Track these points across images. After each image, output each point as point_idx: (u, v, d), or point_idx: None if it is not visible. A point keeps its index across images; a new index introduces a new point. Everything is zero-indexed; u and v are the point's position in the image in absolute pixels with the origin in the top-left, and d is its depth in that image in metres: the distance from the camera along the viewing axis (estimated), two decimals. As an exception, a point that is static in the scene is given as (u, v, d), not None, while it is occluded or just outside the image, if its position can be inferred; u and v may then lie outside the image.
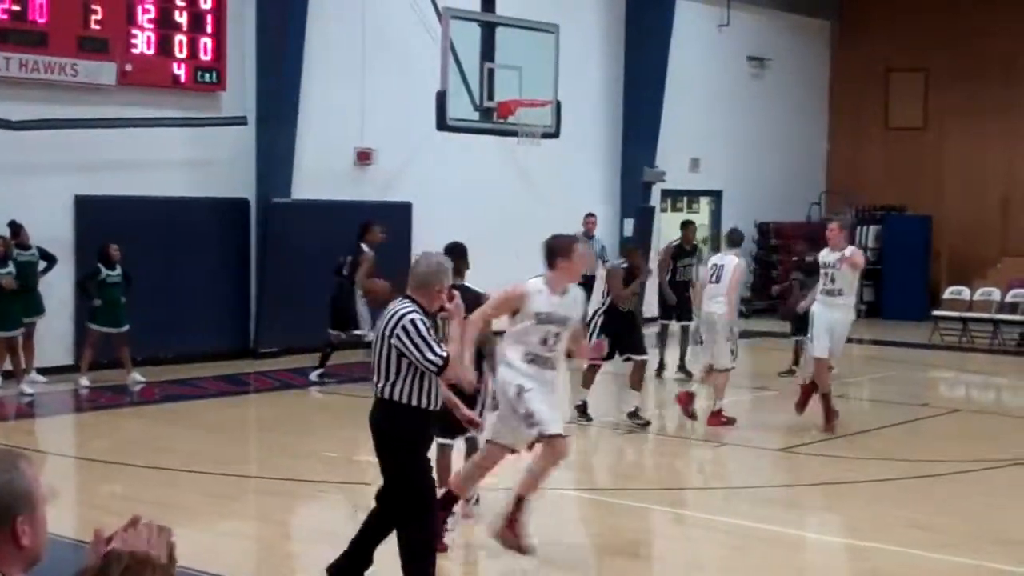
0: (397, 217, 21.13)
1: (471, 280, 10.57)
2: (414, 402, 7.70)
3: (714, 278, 15.16)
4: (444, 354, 7.60)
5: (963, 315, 24.09)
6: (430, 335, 7.64)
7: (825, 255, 14.80)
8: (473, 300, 9.23)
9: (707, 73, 27.53)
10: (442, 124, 18.32)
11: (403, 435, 7.79)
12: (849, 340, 20.90)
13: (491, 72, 18.71)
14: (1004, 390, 20.68)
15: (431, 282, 7.83)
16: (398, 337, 7.61)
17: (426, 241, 19.57)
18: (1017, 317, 23.99)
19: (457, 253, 11.23)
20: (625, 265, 15.82)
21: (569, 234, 10.49)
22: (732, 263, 15.19)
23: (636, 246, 17.87)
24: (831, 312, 14.63)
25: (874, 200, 29.27)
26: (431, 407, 7.83)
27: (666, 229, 27.43)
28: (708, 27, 27.40)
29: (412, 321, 7.60)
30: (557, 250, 9.25)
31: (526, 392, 8.86)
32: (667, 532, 11.18)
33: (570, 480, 12.52)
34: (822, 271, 14.84)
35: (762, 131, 29.07)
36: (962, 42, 28.82)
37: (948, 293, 25.46)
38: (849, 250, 14.65)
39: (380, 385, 7.80)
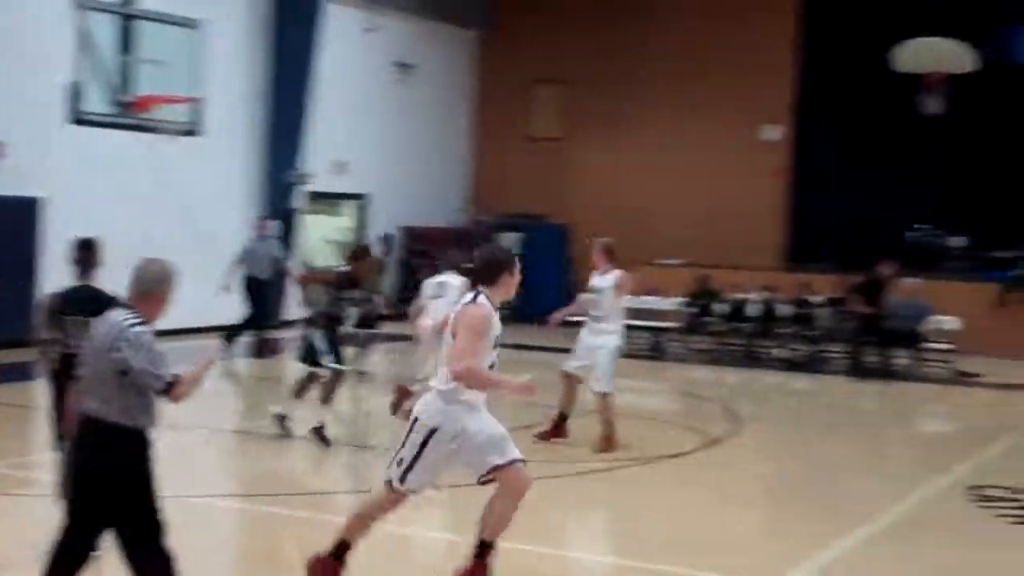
0: (25, 213, 20.29)
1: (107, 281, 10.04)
2: (132, 423, 7.00)
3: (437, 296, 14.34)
4: (174, 373, 6.98)
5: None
6: (158, 349, 7.04)
7: (594, 280, 14.52)
8: (105, 301, 8.54)
9: (354, 76, 27.50)
10: (75, 117, 17.71)
11: (122, 460, 7.04)
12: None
13: (130, 65, 18.22)
14: (634, 392, 21.29)
15: (154, 290, 7.21)
16: (120, 350, 6.94)
17: (59, 239, 18.92)
18: (648, 323, 24.75)
19: (85, 248, 10.79)
20: (346, 269, 14.77)
21: (502, 246, 9.91)
22: (457, 282, 14.12)
23: (363, 250, 16.22)
24: (595, 339, 14.33)
25: (517, 207, 29.83)
26: (151, 428, 7.16)
27: (310, 231, 27.29)
28: (354, 30, 27.37)
29: (138, 333, 6.97)
30: (502, 264, 8.28)
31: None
32: (300, 535, 11.00)
33: (225, 488, 12.27)
34: (589, 296, 14.59)
35: (409, 136, 29.25)
36: (601, 58, 29.75)
37: (584, 299, 26.07)
38: (617, 274, 14.29)
39: (93, 406, 7.08)
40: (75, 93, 17.51)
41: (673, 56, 29.21)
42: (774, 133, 28.99)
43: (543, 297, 28.30)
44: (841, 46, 27.80)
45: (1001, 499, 12.44)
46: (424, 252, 29.34)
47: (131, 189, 22.17)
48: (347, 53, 27.01)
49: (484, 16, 31.28)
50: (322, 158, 26.32)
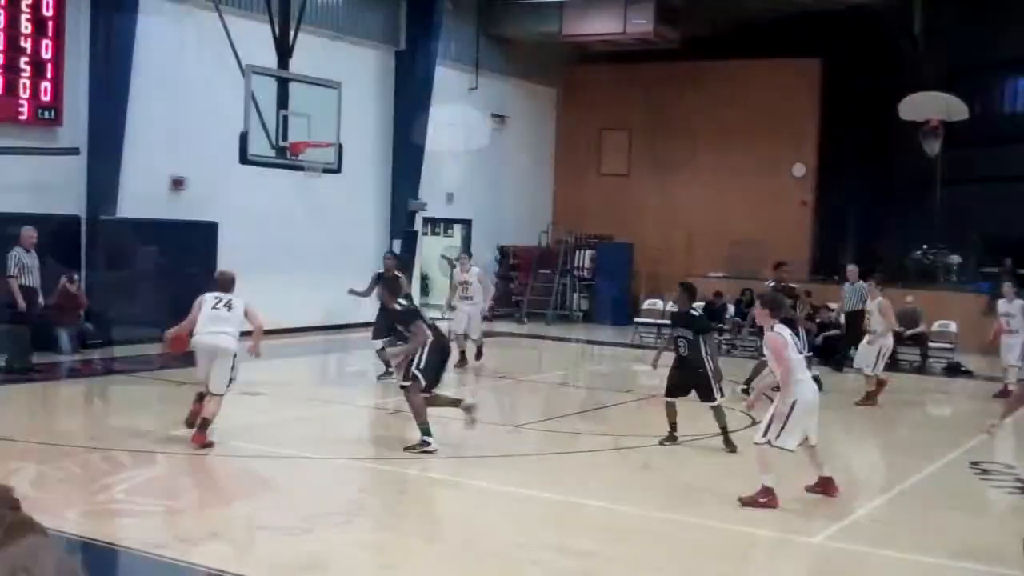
0: (205, 234, 20.73)
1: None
2: None
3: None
4: None
5: (656, 321, 24.71)
6: None
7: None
8: None
9: (461, 125, 27.70)
10: (244, 158, 18.00)
11: None
12: (568, 340, 21.47)
13: (285, 118, 18.48)
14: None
15: None
16: None
17: (229, 255, 19.29)
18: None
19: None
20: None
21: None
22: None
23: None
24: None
25: (590, 230, 29.91)
26: None
27: (426, 249, 27.52)
28: (461, 89, 27.60)
29: None
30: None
31: None
32: (427, 491, 11.17)
33: (355, 452, 12.43)
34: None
35: (503, 173, 29.42)
36: (657, 109, 29.69)
37: (645, 304, 26.15)
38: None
39: None
40: (244, 140, 17.79)
41: (716, 109, 29.15)
42: (801, 170, 28.87)
43: (612, 303, 28.53)
44: (856, 100, 27.65)
45: (997, 473, 12.39)
46: (517, 266, 29.62)
47: (287, 215, 22.55)
48: (455, 107, 27.23)
49: (561, 75, 31.39)
50: (435, 190, 26.57)
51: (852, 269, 19.88)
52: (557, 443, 13.12)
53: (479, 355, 18.92)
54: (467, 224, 28.84)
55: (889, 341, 16.82)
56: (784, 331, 10.32)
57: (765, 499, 9.99)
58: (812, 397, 10.23)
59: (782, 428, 9.97)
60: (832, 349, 20.83)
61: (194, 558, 8.01)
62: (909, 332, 21.71)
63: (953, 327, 22.27)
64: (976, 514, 10.73)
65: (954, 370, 21.35)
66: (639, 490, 10.81)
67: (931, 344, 21.93)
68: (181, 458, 11.56)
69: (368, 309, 21.64)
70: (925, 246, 26.23)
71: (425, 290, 28.05)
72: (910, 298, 22.36)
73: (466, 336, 18.69)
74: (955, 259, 26.08)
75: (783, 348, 10.12)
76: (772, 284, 17.18)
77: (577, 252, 29.39)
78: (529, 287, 28.87)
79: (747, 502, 10.02)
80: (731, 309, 24.44)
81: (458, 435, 13.89)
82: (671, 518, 9.81)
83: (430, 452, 11.92)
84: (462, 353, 18.72)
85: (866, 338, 16.73)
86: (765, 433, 10.05)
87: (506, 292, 29.09)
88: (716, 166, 29.44)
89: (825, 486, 10.48)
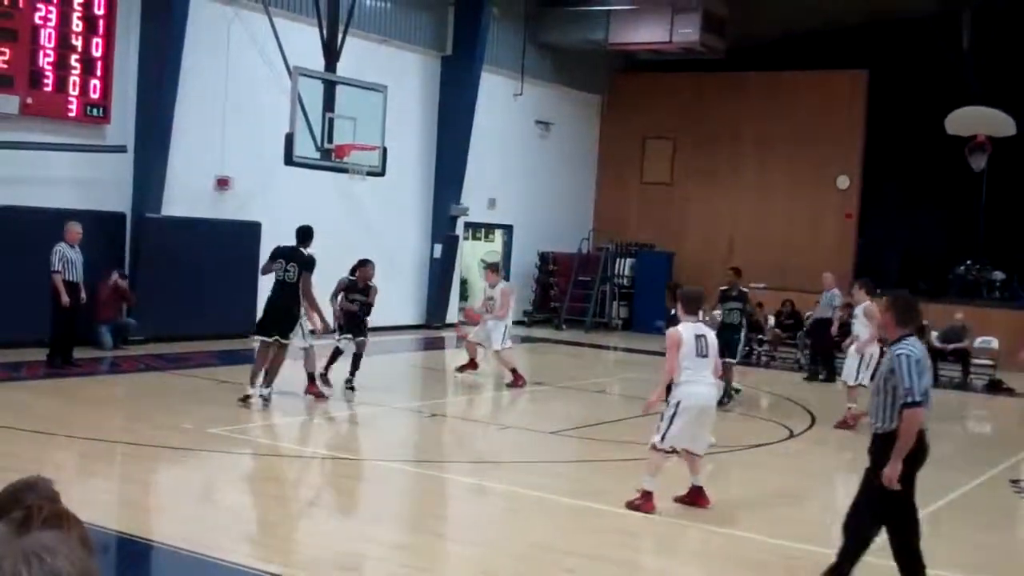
0: (249, 233, 20.77)
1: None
2: None
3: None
4: None
5: (695, 331, 24.39)
6: None
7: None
8: None
9: (504, 131, 27.66)
10: (289, 160, 18.06)
11: None
12: (606, 348, 21.27)
13: (331, 120, 18.51)
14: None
15: None
16: None
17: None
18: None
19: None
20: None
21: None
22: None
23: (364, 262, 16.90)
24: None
25: (631, 238, 29.77)
26: None
27: (467, 253, 27.48)
28: (505, 95, 27.54)
29: None
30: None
31: None
32: (460, 496, 11.10)
33: (390, 454, 12.40)
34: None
35: (546, 179, 29.33)
36: (702, 119, 29.60)
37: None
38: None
39: None
40: (289, 141, 17.83)
41: (761, 120, 28.97)
42: (845, 182, 28.59)
43: (651, 311, 28.35)
44: (901, 113, 27.37)
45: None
46: (555, 272, 29.51)
47: (329, 217, 22.52)
48: (499, 112, 27.19)
49: (606, 83, 31.26)
50: (478, 195, 26.52)
51: (827, 276, 20.05)
52: (592, 450, 13.03)
53: (516, 379, 17.41)
54: (508, 229, 28.78)
55: (874, 349, 16.07)
56: (687, 331, 9.85)
57: (640, 502, 9.85)
58: (700, 403, 9.83)
59: (667, 430, 9.78)
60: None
61: (228, 556, 7.97)
62: (952, 347, 21.51)
63: (995, 343, 21.97)
64: (1016, 532, 10.52)
65: (995, 387, 21.04)
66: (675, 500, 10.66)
67: (973, 360, 21.63)
68: (216, 456, 11.56)
69: (402, 312, 21.73)
70: (969, 261, 25.91)
71: (464, 295, 28.02)
72: (960, 315, 22.13)
73: (480, 344, 17.69)
74: (998, 275, 25.74)
75: (676, 345, 9.76)
76: (723, 288, 17.34)
77: (618, 260, 29.25)
78: (568, 294, 28.75)
79: (630, 505, 9.88)
80: (771, 320, 24.25)
81: (494, 441, 13.87)
82: (708, 528, 9.68)
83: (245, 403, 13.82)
84: (471, 360, 17.93)
85: (853, 346, 15.88)
86: (663, 438, 9.81)
87: (545, 298, 29.04)
88: (760, 177, 29.23)
89: (695, 496, 10.17)
